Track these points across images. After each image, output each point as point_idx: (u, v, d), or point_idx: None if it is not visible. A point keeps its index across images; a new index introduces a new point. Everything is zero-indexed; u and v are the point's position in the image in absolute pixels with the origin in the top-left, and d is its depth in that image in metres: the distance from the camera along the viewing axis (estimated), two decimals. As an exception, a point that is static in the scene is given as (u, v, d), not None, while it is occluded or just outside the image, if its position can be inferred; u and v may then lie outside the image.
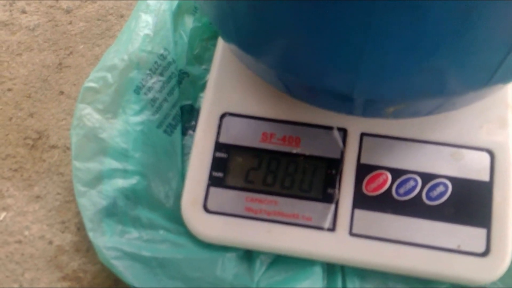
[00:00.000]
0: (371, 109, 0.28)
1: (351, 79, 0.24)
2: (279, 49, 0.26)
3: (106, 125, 0.37)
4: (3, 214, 0.39)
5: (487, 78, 0.24)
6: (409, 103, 0.26)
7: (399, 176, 0.34)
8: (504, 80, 0.25)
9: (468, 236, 0.32)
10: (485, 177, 0.33)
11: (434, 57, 0.23)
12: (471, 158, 0.34)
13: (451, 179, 0.33)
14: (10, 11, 0.46)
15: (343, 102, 0.29)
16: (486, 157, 0.34)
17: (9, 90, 0.43)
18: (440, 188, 0.33)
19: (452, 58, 0.23)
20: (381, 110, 0.28)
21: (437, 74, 0.24)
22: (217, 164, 0.35)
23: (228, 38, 0.29)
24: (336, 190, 0.34)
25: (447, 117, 0.35)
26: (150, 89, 0.38)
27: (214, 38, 0.41)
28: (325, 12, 0.22)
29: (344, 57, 0.23)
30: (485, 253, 0.32)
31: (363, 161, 0.34)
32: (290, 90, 0.31)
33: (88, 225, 0.35)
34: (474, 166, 0.34)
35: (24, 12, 0.46)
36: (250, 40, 0.27)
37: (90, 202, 0.35)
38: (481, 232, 0.32)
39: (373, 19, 0.21)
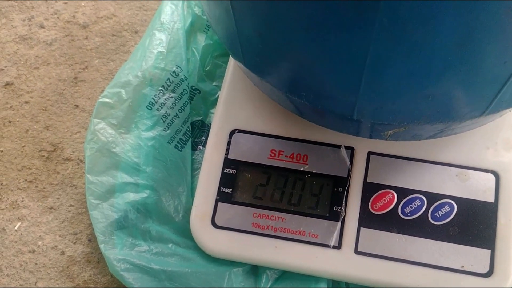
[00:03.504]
0: (371, 130, 0.29)
1: (351, 102, 0.25)
2: (282, 71, 0.27)
3: (119, 140, 0.38)
4: (18, 224, 0.40)
5: (484, 108, 0.25)
6: (407, 127, 0.27)
7: (405, 196, 0.34)
8: (501, 109, 0.26)
9: (472, 256, 0.33)
10: (490, 198, 0.34)
11: (430, 86, 0.23)
12: (476, 179, 0.34)
13: (456, 199, 0.34)
14: (29, 25, 0.48)
15: (344, 123, 0.29)
16: (491, 178, 0.34)
17: (26, 103, 0.45)
18: (446, 208, 0.34)
19: (448, 88, 0.23)
20: (380, 132, 0.28)
21: (434, 101, 0.24)
22: (226, 180, 0.36)
23: (236, 58, 0.30)
24: (343, 208, 0.34)
25: (454, 138, 0.35)
26: (162, 105, 0.39)
27: (225, 55, 0.42)
28: (326, 38, 0.22)
29: (344, 81, 0.24)
30: (489, 273, 0.32)
31: (369, 179, 0.35)
32: (297, 109, 0.32)
33: (99, 237, 0.36)
34: (479, 187, 0.34)
35: (42, 27, 0.48)
36: (256, 61, 0.28)
37: (102, 214, 0.36)
38: (485, 253, 0.33)
39: (371, 49, 0.22)
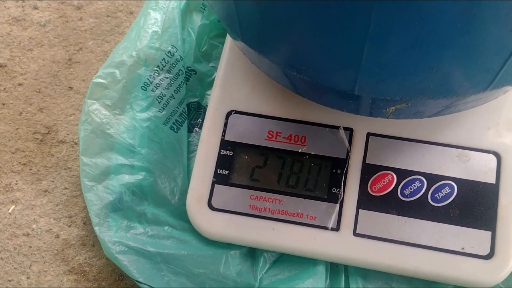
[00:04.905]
0: (372, 107, 0.28)
1: (352, 76, 0.24)
2: (282, 45, 0.26)
3: (114, 121, 0.37)
4: (12, 207, 0.39)
5: (489, 81, 0.24)
6: (410, 103, 0.26)
7: (404, 177, 0.34)
8: (505, 83, 0.25)
9: (473, 238, 0.32)
10: (491, 180, 0.33)
11: (433, 56, 0.23)
12: (477, 160, 0.34)
13: (457, 180, 0.33)
14: (22, 7, 0.47)
15: (345, 100, 0.29)
16: (492, 159, 0.34)
17: (20, 85, 0.44)
18: (446, 190, 0.33)
19: (453, 59, 0.23)
20: (382, 109, 0.28)
21: (437, 74, 0.24)
22: (223, 162, 0.35)
23: (234, 35, 0.29)
24: (341, 190, 0.34)
25: (454, 118, 0.34)
26: (157, 85, 0.39)
27: (221, 35, 0.41)
28: (326, 9, 0.22)
29: (345, 53, 0.24)
30: (489, 255, 0.32)
31: (368, 161, 0.34)
32: (296, 87, 0.31)
33: (94, 219, 0.35)
34: (480, 168, 0.33)
35: (35, 8, 0.47)
36: (254, 36, 0.27)
37: (97, 197, 0.36)
38: (485, 234, 0.32)
39: (373, 19, 0.21)
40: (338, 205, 0.34)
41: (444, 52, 0.22)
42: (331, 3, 0.21)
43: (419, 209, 0.33)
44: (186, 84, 0.39)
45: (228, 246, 0.35)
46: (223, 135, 0.36)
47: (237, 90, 0.37)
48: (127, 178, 0.36)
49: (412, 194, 0.33)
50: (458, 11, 0.20)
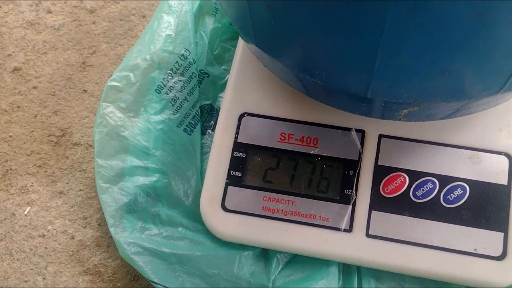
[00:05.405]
0: (384, 110, 0.28)
1: (365, 80, 0.25)
2: (295, 49, 0.26)
3: (128, 124, 0.38)
4: (28, 208, 0.40)
5: (501, 84, 0.24)
6: (422, 106, 0.26)
7: (416, 179, 0.34)
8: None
9: (485, 239, 0.32)
10: (503, 181, 0.33)
11: (447, 60, 0.23)
12: (489, 162, 0.34)
13: (469, 182, 0.33)
14: (36, 11, 0.48)
15: (357, 103, 0.29)
16: (504, 160, 0.34)
17: (35, 88, 0.44)
18: (458, 191, 0.33)
19: (466, 62, 0.23)
20: (394, 112, 0.28)
21: (450, 77, 0.24)
22: (236, 164, 0.36)
23: (247, 38, 0.29)
24: (354, 191, 0.34)
25: (466, 120, 0.34)
26: (171, 88, 0.39)
27: (234, 38, 0.42)
28: (340, 12, 0.22)
29: (359, 57, 0.24)
30: (502, 256, 0.32)
31: (381, 162, 0.35)
32: (308, 90, 0.31)
33: (109, 221, 0.36)
34: (492, 170, 0.34)
35: (49, 12, 0.48)
36: (268, 40, 0.28)
37: (112, 198, 0.36)
38: (498, 235, 0.32)
39: (386, 23, 0.21)
40: (350, 206, 0.34)
41: (457, 56, 0.22)
42: (345, 7, 0.22)
43: (431, 211, 0.33)
44: (199, 87, 0.40)
45: (242, 247, 0.35)
46: (236, 137, 0.36)
47: (249, 92, 0.37)
48: (141, 180, 0.37)
49: (424, 195, 0.34)
50: (471, 15, 0.20)
